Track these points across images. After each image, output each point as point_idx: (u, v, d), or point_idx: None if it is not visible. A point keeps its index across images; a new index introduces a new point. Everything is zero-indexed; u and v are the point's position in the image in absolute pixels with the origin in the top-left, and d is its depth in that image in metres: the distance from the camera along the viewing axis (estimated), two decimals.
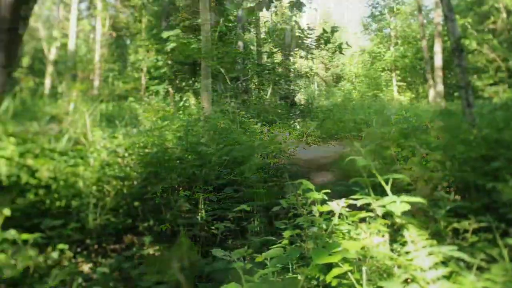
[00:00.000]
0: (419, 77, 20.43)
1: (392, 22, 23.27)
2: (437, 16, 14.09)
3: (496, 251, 1.41)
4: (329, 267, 1.43)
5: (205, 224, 2.18)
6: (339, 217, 1.72)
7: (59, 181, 2.82)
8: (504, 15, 15.92)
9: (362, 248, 1.49)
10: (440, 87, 13.62)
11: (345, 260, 1.42)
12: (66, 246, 1.99)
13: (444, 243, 1.59)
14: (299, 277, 1.46)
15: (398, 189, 2.05)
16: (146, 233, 2.24)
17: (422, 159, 2.76)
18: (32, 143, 3.22)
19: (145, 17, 14.72)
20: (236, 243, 2.15)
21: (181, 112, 5.46)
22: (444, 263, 1.40)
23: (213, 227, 2.13)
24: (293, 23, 9.93)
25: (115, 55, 18.48)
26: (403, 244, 1.65)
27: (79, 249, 2.16)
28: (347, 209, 1.73)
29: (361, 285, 1.37)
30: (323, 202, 1.78)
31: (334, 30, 8.80)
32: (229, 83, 5.76)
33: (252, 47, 14.95)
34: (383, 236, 1.61)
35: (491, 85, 15.70)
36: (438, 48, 13.60)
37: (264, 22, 13.96)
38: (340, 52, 8.03)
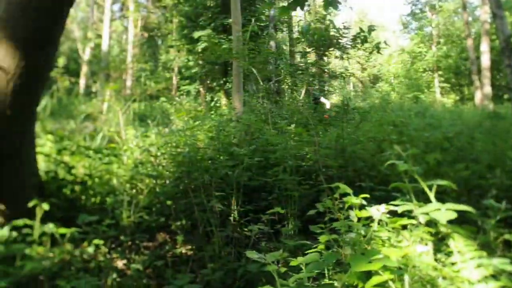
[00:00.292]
0: (464, 79, 19.55)
1: (434, 20, 22.46)
2: (484, 13, 13.46)
3: None
4: (368, 275, 1.41)
5: (238, 225, 2.21)
6: (378, 223, 1.68)
7: (94, 178, 2.97)
8: None
9: (404, 256, 1.45)
10: (488, 89, 12.98)
11: (385, 268, 1.38)
12: (101, 242, 2.09)
13: (494, 255, 1.52)
14: (336, 283, 1.44)
15: (443, 196, 1.97)
16: (179, 232, 2.30)
17: (468, 165, 2.64)
18: (68, 141, 3.41)
19: (176, 17, 15.16)
20: (269, 246, 2.16)
21: (212, 112, 5.57)
22: (495, 276, 1.33)
23: (246, 229, 2.16)
24: (328, 22, 9.84)
25: (147, 55, 19.18)
26: (448, 254, 1.59)
27: (113, 245, 2.26)
28: (387, 215, 1.70)
29: None
30: (362, 207, 1.75)
31: (371, 29, 8.62)
32: (261, 83, 5.81)
33: (284, 47, 14.96)
34: (426, 244, 1.56)
35: None
36: (485, 47, 12.99)
37: (298, 21, 13.93)
38: (378, 52, 7.86)
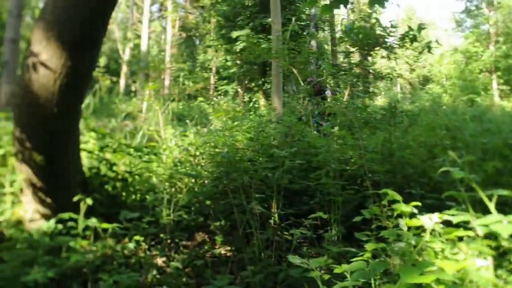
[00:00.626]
0: None
1: (491, 17, 21.22)
2: None
3: None
4: (418, 287, 1.36)
5: (279, 229, 2.22)
6: (431, 234, 1.62)
7: (134, 175, 3.11)
8: None
9: (460, 270, 1.39)
10: None
11: (439, 281, 1.33)
12: (141, 238, 2.18)
13: None
14: None
15: (504, 208, 1.86)
16: (218, 232, 2.36)
17: None
18: (110, 139, 3.59)
19: (214, 17, 15.53)
20: (311, 251, 2.16)
21: (251, 112, 5.66)
22: None
23: (286, 233, 2.16)
24: (373, 20, 9.62)
25: (185, 55, 19.77)
26: (511, 271, 1.50)
27: (153, 242, 2.36)
28: (440, 225, 1.63)
29: None
30: (412, 215, 1.70)
31: (421, 27, 8.30)
32: (301, 84, 5.80)
33: (326, 47, 14.81)
34: (486, 259, 1.48)
35: None
36: None
37: (341, 20, 13.75)
38: (429, 52, 7.54)
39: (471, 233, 1.59)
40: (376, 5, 2.99)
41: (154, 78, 13.04)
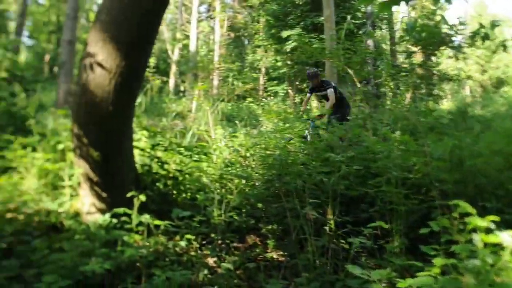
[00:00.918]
0: None
1: None
2: None
3: None
4: None
5: (335, 236, 2.19)
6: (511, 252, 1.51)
7: (184, 174, 3.23)
8: None
9: None
10: None
11: None
12: (193, 237, 2.26)
13: None
14: None
15: None
16: (269, 236, 2.37)
17: None
18: (161, 137, 3.76)
19: (263, 17, 15.70)
20: (370, 262, 2.10)
21: (303, 114, 5.65)
22: None
23: (343, 241, 2.13)
24: (438, 17, 9.16)
25: (233, 55, 20.17)
26: None
27: (204, 242, 2.43)
28: None
29: None
30: (488, 231, 1.59)
31: (494, 24, 7.77)
32: (358, 85, 5.68)
33: (384, 46, 14.36)
34: None
35: None
36: None
37: (401, 18, 13.26)
38: (504, 51, 7.03)
39: None
40: (442, 1, 2.83)
41: (203, 78, 13.44)
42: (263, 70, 16.44)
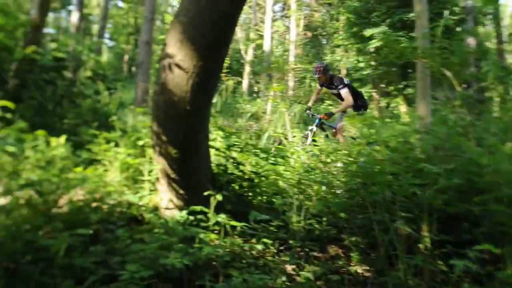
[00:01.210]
0: None
1: None
2: None
3: None
4: None
5: (431, 256, 2.07)
6: None
7: (260, 176, 3.31)
8: None
9: None
10: None
11: None
12: (270, 241, 2.31)
13: None
14: None
15: None
16: (353, 248, 2.33)
17: None
18: (236, 138, 3.89)
19: (343, 14, 15.43)
20: None
21: (391, 120, 5.45)
22: None
23: (441, 262, 2.01)
24: None
25: (310, 56, 20.14)
26: None
27: (282, 248, 2.47)
28: None
29: None
30: None
31: None
32: (457, 89, 5.32)
33: (489, 45, 13.27)
34: None
35: None
36: None
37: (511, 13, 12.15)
38: None
39: None
40: None
41: (278, 79, 13.62)
42: (344, 71, 16.17)
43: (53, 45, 7.01)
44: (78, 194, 2.95)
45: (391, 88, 11.55)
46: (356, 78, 13.31)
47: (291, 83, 15.78)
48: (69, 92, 6.30)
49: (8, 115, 3.23)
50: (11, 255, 1.79)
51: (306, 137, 5.16)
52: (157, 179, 3.09)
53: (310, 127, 5.57)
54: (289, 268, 2.25)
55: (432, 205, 2.24)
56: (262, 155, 3.67)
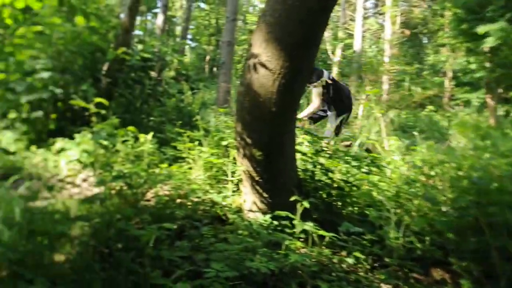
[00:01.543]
0: None
1: None
2: None
3: None
4: None
5: None
6: None
7: (351, 186, 3.27)
8: None
9: None
10: None
11: None
12: (362, 256, 2.27)
13: None
14: None
15: None
16: (464, 274, 2.20)
17: None
18: (315, 143, 3.88)
19: (449, 9, 14.56)
20: None
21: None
22: None
23: None
24: None
25: (408, 56, 19.37)
26: None
27: (376, 265, 2.42)
28: None
29: None
30: None
31: None
32: None
33: None
34: None
35: None
36: None
37: None
38: None
39: None
40: None
41: (371, 82, 13.30)
42: (449, 73, 15.23)
43: (140, 47, 7.73)
44: (163, 189, 3.20)
45: (511, 93, 10.61)
46: (465, 82, 12.46)
47: (385, 86, 15.28)
48: (155, 91, 6.88)
49: (103, 112, 3.61)
50: (105, 242, 2.00)
51: None
52: (240, 180, 3.22)
53: None
54: (384, 287, 2.19)
55: None
56: (354, 163, 3.63)
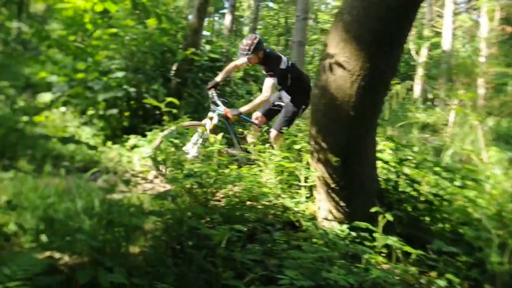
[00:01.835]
0: None
1: None
2: None
3: None
4: None
5: None
6: None
7: (442, 200, 3.14)
8: None
9: None
10: None
11: None
12: (457, 280, 2.18)
13: None
14: None
15: None
16: None
17: None
18: (410, 152, 3.76)
19: None
20: None
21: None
22: None
23: None
24: None
25: (510, 57, 18.12)
26: None
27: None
28: None
29: None
30: None
31: None
32: None
33: None
34: None
35: None
36: None
37: None
38: None
39: None
40: None
41: (463, 85, 12.64)
42: None
43: (208, 47, 8.08)
44: (233, 191, 3.30)
45: None
46: None
47: (481, 90, 14.40)
48: (223, 92, 7.14)
49: (174, 111, 3.80)
50: (176, 238, 2.11)
51: (194, 141, 4.31)
52: (314, 186, 3.22)
53: (204, 121, 4.68)
54: None
55: None
56: (445, 174, 3.48)
